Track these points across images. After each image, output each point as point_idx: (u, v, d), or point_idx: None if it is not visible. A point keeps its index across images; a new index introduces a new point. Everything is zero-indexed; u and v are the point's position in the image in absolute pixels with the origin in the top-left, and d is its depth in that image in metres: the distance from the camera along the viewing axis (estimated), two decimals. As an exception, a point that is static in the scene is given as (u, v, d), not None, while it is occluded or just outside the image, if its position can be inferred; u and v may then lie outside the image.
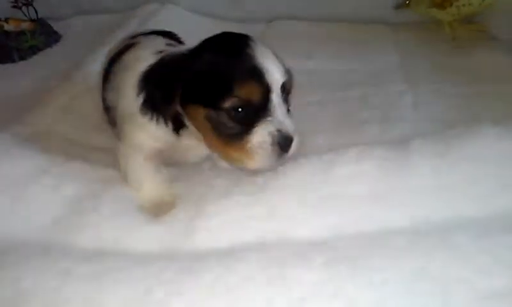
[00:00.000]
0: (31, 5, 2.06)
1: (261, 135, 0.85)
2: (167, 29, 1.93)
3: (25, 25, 2.00)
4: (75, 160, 1.08)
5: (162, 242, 0.88)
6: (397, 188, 0.85)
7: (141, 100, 0.96)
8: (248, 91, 0.84)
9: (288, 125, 0.87)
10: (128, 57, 1.15)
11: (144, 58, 1.02)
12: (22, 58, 1.88)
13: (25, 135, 1.20)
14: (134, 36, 1.30)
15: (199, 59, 0.88)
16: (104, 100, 1.19)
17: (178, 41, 1.36)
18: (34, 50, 1.92)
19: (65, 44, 2.02)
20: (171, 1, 2.10)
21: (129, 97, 1.00)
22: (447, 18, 1.77)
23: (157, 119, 0.96)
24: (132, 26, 1.91)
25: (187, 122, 0.94)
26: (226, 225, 0.88)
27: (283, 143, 0.86)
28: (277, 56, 0.91)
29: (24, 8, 2.06)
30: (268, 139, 0.85)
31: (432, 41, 1.78)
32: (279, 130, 0.85)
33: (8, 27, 1.96)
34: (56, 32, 2.06)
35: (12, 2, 2.04)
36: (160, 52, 1.04)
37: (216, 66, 0.86)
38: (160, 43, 1.19)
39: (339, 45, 1.83)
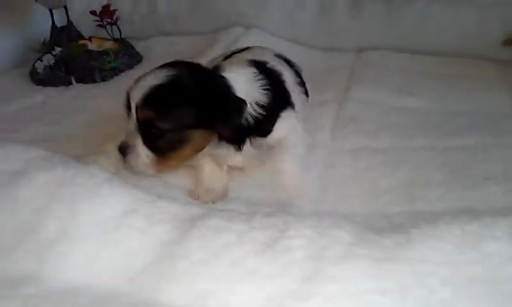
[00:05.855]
0: (116, 24, 2.02)
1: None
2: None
3: (108, 45, 1.96)
4: (163, 199, 0.97)
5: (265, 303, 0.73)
6: None
7: None
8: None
9: (128, 140, 1.07)
10: None
11: None
12: (104, 79, 1.83)
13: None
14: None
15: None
16: None
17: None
18: (116, 71, 1.87)
19: (146, 66, 1.93)
20: (257, 26, 2.01)
21: None
22: None
23: None
24: (217, 50, 1.83)
25: None
26: (346, 297, 0.72)
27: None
28: (153, 88, 1.02)
29: (107, 27, 2.02)
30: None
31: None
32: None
33: (92, 46, 1.92)
34: (138, 53, 2.01)
35: (97, 21, 2.01)
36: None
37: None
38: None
39: (441, 83, 1.65)
